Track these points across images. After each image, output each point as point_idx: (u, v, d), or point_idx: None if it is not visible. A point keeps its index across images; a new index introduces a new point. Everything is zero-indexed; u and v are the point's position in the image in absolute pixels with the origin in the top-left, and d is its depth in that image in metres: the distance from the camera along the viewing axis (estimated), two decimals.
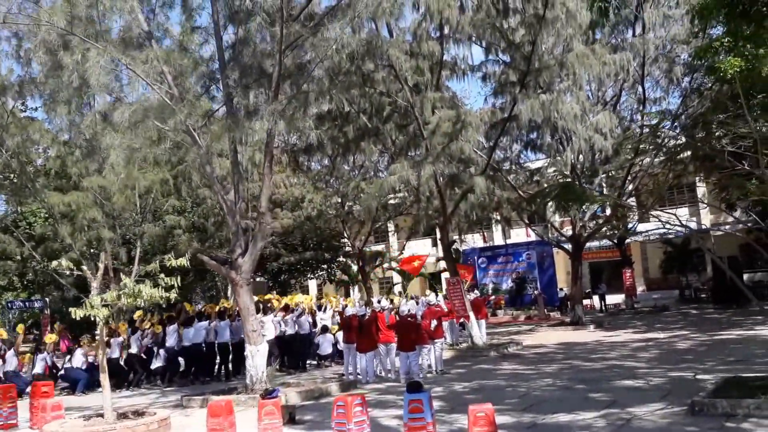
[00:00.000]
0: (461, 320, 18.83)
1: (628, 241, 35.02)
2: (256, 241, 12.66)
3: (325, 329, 17.24)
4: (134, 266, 22.65)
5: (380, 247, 42.55)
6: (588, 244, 39.71)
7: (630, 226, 33.53)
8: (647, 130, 22.50)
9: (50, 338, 17.71)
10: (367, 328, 13.77)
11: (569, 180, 18.22)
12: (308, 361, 17.14)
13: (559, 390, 11.23)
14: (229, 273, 12.63)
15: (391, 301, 19.65)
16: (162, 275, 11.15)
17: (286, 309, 16.79)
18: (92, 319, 10.47)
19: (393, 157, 18.19)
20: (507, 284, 33.65)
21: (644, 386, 10.96)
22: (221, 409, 9.29)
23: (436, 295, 20.88)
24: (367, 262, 34.66)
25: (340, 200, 31.13)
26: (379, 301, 15.11)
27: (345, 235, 33.45)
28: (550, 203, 22.63)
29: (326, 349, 17.04)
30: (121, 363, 16.41)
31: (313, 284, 45.66)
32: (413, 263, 18.11)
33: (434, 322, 14.18)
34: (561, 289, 33.55)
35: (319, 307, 18.01)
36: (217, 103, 15.61)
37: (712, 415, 7.90)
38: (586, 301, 34.28)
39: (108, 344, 15.98)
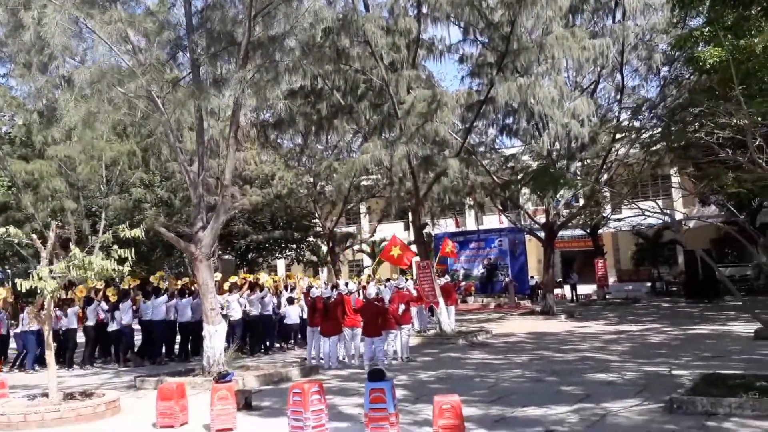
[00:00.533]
0: (430, 306, 18.38)
1: (601, 231, 34.92)
2: (218, 215, 11.95)
3: (291, 300, 16.66)
4: (98, 238, 21.84)
5: (351, 229, 41.91)
6: (560, 233, 39.55)
7: (604, 215, 33.45)
8: (625, 116, 22.20)
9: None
10: (332, 311, 13.19)
11: (545, 163, 17.80)
12: (273, 344, 16.52)
13: (529, 382, 10.81)
14: (188, 247, 11.92)
15: (361, 284, 19.12)
16: (115, 247, 10.45)
17: (253, 287, 16.09)
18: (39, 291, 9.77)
19: (366, 137, 17.56)
20: (478, 270, 33.31)
21: (618, 380, 10.58)
22: (172, 392, 8.68)
23: (406, 279, 20.40)
24: (337, 244, 34.04)
25: (312, 179, 30.41)
26: (346, 284, 14.50)
27: (316, 215, 32.74)
28: (524, 189, 22.29)
29: (293, 318, 16.41)
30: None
31: (281, 264, 44.88)
32: (390, 253, 17.49)
33: (402, 307, 13.66)
34: (532, 278, 33.37)
35: (286, 287, 17.32)
36: (183, 71, 14.82)
37: (692, 414, 7.49)
38: (557, 291, 34.15)
39: (65, 314, 15.25)
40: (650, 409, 8.10)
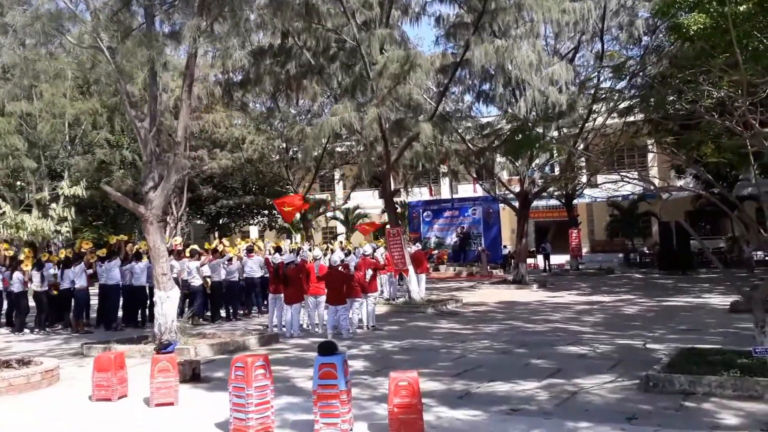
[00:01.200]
0: (399, 274, 17.82)
1: (576, 201, 34.55)
2: (169, 175, 11.09)
3: (250, 249, 15.93)
4: (60, 200, 20.79)
5: (325, 196, 41.09)
6: (535, 203, 39.12)
7: (581, 182, 33.02)
8: (604, 78, 21.55)
9: None
10: (295, 278, 12.51)
11: (520, 125, 17.12)
12: (236, 311, 15.81)
13: (497, 354, 10.28)
14: (137, 208, 11.07)
15: (329, 249, 18.46)
16: (54, 206, 9.60)
17: (215, 252, 15.32)
18: None
19: (337, 99, 16.67)
20: (451, 239, 32.84)
21: (590, 354, 10.09)
22: (110, 362, 7.94)
23: (376, 247, 19.78)
24: (310, 210, 33.26)
25: (284, 145, 29.48)
26: (310, 249, 13.79)
27: (288, 180, 31.87)
28: (499, 158, 21.63)
29: (254, 272, 15.71)
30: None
31: (254, 230, 44.00)
32: (284, 207, 16.83)
33: (369, 274, 13.02)
34: (505, 247, 33.02)
35: (250, 250, 16.50)
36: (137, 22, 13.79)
37: (669, 392, 6.96)
38: (529, 260, 33.94)
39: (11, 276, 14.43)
40: (624, 386, 7.58)
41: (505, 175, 29.47)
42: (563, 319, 14.57)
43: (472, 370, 8.88)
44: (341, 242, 24.80)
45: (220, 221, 35.28)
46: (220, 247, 15.68)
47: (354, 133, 16.66)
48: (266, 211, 35.41)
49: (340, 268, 12.61)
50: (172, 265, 14.35)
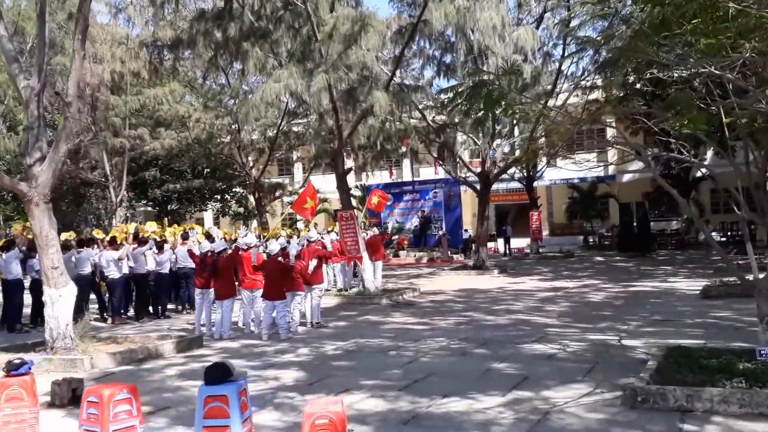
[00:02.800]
0: (353, 261, 16.41)
1: (536, 184, 33.55)
2: (59, 143, 9.20)
3: (185, 236, 14.28)
4: None
5: (284, 180, 39.20)
6: (495, 186, 38.00)
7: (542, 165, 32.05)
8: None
9: None
10: (226, 269, 10.92)
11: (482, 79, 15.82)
12: (165, 308, 14.11)
13: (454, 355, 8.94)
14: (16, 185, 9.18)
15: (275, 236, 16.85)
16: None
17: (113, 243, 13.39)
18: None
19: (282, 65, 14.93)
20: (412, 224, 31.49)
21: (560, 354, 8.82)
22: None
23: (327, 231, 18.35)
24: (265, 195, 31.43)
25: (236, 124, 27.48)
26: (244, 236, 12.17)
27: (240, 163, 29.84)
28: (460, 136, 20.31)
29: (188, 262, 13.93)
30: None
31: (208, 216, 41.93)
32: (304, 205, 15.14)
33: (313, 264, 11.50)
34: (466, 231, 31.85)
35: (184, 236, 14.80)
36: None
37: (662, 410, 5.67)
38: (490, 244, 32.89)
39: None
40: (606, 400, 6.27)
41: (466, 156, 28.24)
42: (526, 309, 13.35)
43: (423, 379, 7.49)
44: (306, 227, 23.06)
45: (169, 207, 33.17)
46: (145, 234, 13.93)
47: (301, 102, 14.93)
48: (218, 196, 33.48)
49: (279, 257, 11.09)
50: (84, 256, 12.68)
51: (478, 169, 23.11)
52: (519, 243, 33.55)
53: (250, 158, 30.07)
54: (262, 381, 7.51)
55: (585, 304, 13.87)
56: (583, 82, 20.93)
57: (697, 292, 14.39)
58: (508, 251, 31.33)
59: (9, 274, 12.26)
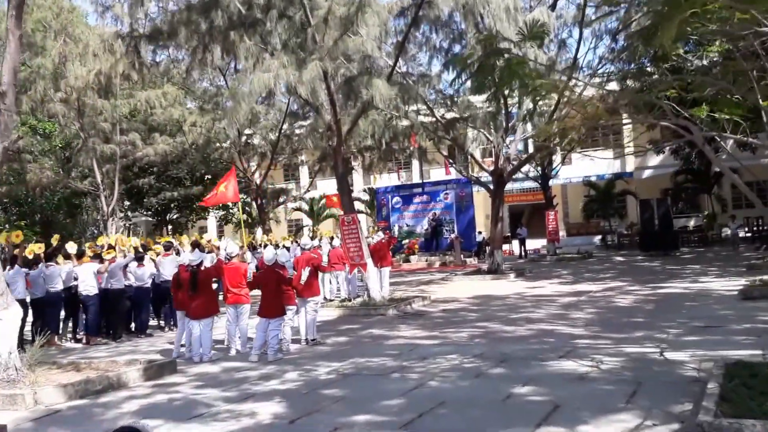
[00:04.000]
0: (356, 269, 15.10)
1: (551, 183, 32.11)
2: None
3: (166, 247, 13.06)
4: None
5: (290, 186, 38.00)
6: (509, 186, 36.69)
7: (555, 165, 30.66)
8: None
9: None
10: (204, 284, 9.62)
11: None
12: (145, 326, 12.81)
13: (467, 378, 7.60)
14: None
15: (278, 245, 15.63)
16: None
17: (97, 257, 12.13)
18: None
19: (273, 55, 13.62)
20: (422, 227, 30.10)
21: (593, 373, 7.46)
22: None
23: (323, 239, 17.05)
24: (269, 201, 30.26)
25: (235, 128, 26.24)
26: (225, 246, 10.87)
27: (242, 169, 28.67)
28: (471, 132, 18.93)
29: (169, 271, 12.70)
30: None
31: (212, 225, 40.80)
32: (218, 190, 13.99)
33: (305, 274, 10.19)
34: (479, 233, 30.45)
35: (166, 248, 13.52)
36: None
37: None
38: (505, 247, 31.51)
39: None
40: None
41: (478, 154, 26.90)
42: (548, 317, 11.99)
43: (430, 412, 6.16)
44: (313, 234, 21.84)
45: (168, 216, 32.02)
46: (122, 246, 12.68)
47: (297, 97, 13.62)
48: (220, 204, 32.27)
49: (276, 269, 9.80)
50: (55, 271, 11.48)
51: (491, 167, 21.76)
52: (535, 244, 32.13)
53: (252, 163, 28.94)
54: (234, 419, 6.21)
55: (613, 310, 12.51)
56: (599, 71, 19.73)
57: (735, 292, 13.09)
58: (523, 253, 29.90)
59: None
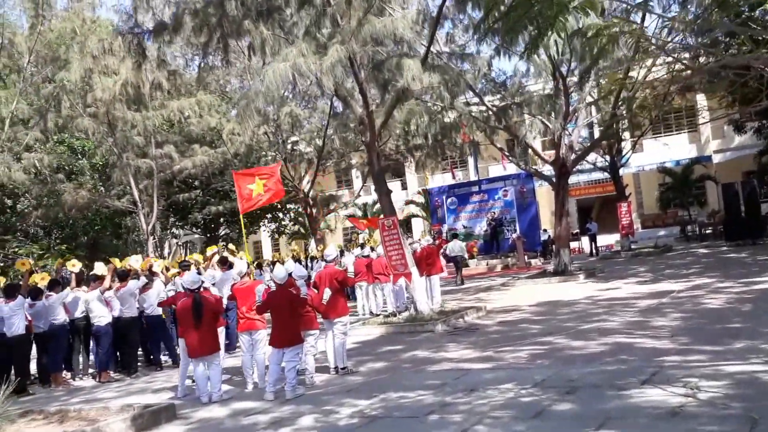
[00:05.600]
0: (399, 279, 13.49)
1: (622, 172, 29.59)
2: None
3: (185, 266, 11.81)
4: None
5: (340, 192, 36.78)
6: (576, 179, 34.44)
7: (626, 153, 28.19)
8: None
9: None
10: (208, 317, 8.13)
11: None
12: (158, 358, 11.54)
13: (524, 419, 5.89)
14: None
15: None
16: None
17: (124, 277, 11.00)
18: None
19: (293, 43, 12.17)
20: (481, 228, 28.15)
21: (690, 405, 5.65)
22: None
23: (361, 247, 15.55)
24: (319, 209, 29.01)
25: (274, 131, 25.09)
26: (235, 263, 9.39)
27: (289, 177, 27.48)
28: (526, 113, 16.98)
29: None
30: None
31: (265, 238, 39.96)
32: (250, 185, 12.51)
33: (327, 293, 8.68)
34: (545, 231, 28.26)
35: (184, 266, 12.25)
36: None
37: None
38: (573, 244, 29.24)
39: None
40: None
41: (538, 145, 24.89)
42: (625, 327, 10.08)
43: None
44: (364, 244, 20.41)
45: (219, 232, 31.23)
46: (136, 267, 11.46)
47: (313, 85, 12.13)
48: (269, 215, 31.29)
49: (289, 288, 8.34)
50: (55, 301, 10.38)
51: (552, 158, 19.78)
52: (607, 240, 29.69)
53: (300, 171, 27.78)
54: None
55: (703, 314, 10.51)
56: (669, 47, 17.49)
57: None
58: (594, 251, 27.53)
59: (12, 327, 10.12)
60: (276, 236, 35.58)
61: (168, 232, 31.43)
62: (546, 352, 8.89)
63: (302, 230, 33.40)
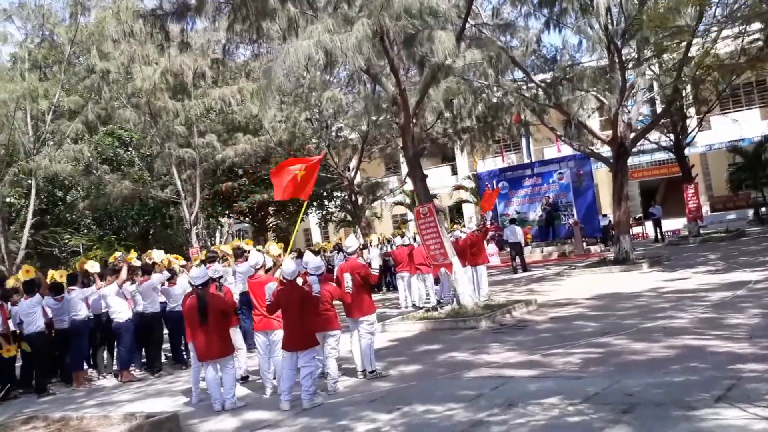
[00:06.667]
0: (440, 271, 12.47)
1: (688, 152, 27.55)
2: None
3: (211, 259, 11.12)
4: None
5: (390, 179, 35.70)
6: (638, 160, 32.44)
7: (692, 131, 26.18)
8: None
9: None
10: (214, 311, 7.35)
11: None
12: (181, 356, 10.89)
13: None
14: None
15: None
16: None
17: (147, 271, 10.45)
18: None
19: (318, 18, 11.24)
20: (535, 213, 26.70)
21: None
22: None
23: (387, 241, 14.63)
24: (365, 198, 28.15)
25: (317, 116, 24.26)
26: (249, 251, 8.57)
27: (333, 163, 26.66)
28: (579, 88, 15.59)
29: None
30: None
31: (314, 226, 39.29)
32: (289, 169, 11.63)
33: (349, 283, 7.74)
34: (604, 216, 26.60)
35: (211, 259, 11.57)
36: None
37: None
38: (637, 230, 27.52)
39: None
40: None
41: (596, 126, 23.30)
42: (695, 325, 8.83)
43: None
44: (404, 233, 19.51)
45: (266, 221, 30.82)
46: (154, 260, 10.87)
47: (337, 65, 11.14)
48: (315, 203, 30.63)
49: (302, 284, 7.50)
50: (76, 297, 9.86)
51: (610, 137, 18.27)
52: (673, 225, 27.78)
53: (346, 157, 26.95)
54: None
55: None
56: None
57: None
58: (660, 236, 25.75)
59: (31, 326, 9.76)
60: (323, 224, 34.96)
61: (214, 221, 31.21)
62: (601, 356, 7.75)
63: (349, 218, 32.60)
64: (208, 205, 27.48)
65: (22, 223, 22.23)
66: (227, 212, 28.86)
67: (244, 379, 8.66)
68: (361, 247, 8.82)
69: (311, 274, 7.56)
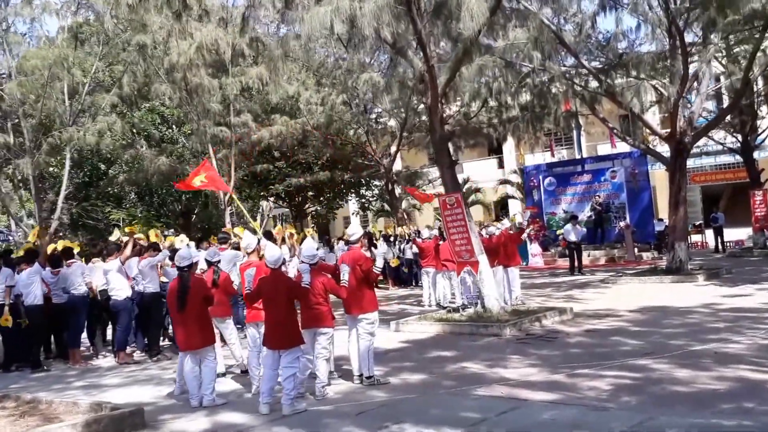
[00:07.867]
0: (464, 271, 11.34)
1: (757, 155, 25.44)
2: None
3: (223, 240, 10.43)
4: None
5: (427, 169, 34.46)
6: (700, 162, 30.40)
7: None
8: None
9: None
10: (195, 298, 6.49)
11: None
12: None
13: None
14: None
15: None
16: None
17: (155, 248, 9.83)
18: None
19: None
20: (585, 214, 25.00)
21: None
22: None
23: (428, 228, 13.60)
24: (403, 186, 27.12)
25: (357, 100, 23.26)
26: (239, 248, 7.69)
27: (371, 151, 25.62)
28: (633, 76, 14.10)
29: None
30: None
31: (353, 215, 38.45)
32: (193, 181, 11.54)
33: (345, 275, 6.77)
34: (660, 220, 24.76)
35: (223, 240, 10.83)
36: None
37: None
38: (695, 238, 25.61)
39: None
40: None
41: (655, 120, 21.56)
42: (755, 353, 7.51)
43: None
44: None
45: (307, 207, 30.10)
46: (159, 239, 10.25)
47: (354, 37, 10.06)
48: (352, 190, 29.75)
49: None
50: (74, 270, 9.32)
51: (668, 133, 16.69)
52: (736, 234, 25.74)
53: (384, 144, 25.95)
54: None
55: None
56: None
57: None
58: (721, 246, 23.83)
59: (29, 297, 9.26)
60: (362, 212, 34.04)
61: (252, 202, 30.73)
62: (637, 383, 6.56)
63: (387, 207, 31.60)
64: (246, 187, 26.93)
65: (59, 192, 22.21)
66: (263, 194, 28.24)
67: (245, 373, 7.85)
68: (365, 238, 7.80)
69: (303, 263, 6.62)
